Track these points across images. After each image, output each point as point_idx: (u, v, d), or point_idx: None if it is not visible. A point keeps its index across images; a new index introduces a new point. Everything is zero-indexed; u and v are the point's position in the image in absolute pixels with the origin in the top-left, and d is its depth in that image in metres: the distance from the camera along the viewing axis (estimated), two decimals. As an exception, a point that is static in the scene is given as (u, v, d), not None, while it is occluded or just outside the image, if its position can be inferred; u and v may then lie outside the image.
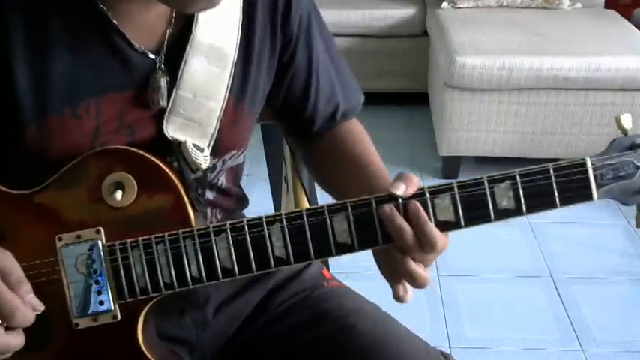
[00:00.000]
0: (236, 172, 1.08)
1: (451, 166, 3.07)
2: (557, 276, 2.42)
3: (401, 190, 0.82)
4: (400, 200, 0.82)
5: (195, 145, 0.90)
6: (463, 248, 2.49)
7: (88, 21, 0.85)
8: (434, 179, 3.06)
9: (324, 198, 1.16)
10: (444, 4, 3.51)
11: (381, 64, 3.64)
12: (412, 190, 0.82)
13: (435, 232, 0.81)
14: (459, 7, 3.50)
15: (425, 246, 0.81)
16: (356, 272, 1.74)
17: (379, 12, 3.59)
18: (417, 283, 0.84)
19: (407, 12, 3.62)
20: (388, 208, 0.81)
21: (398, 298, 0.85)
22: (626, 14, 3.48)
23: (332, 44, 1.08)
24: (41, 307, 0.81)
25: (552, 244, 2.60)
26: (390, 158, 3.51)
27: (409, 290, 0.85)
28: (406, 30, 3.63)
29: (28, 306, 0.79)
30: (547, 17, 3.35)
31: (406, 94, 3.74)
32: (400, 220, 0.81)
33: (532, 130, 2.89)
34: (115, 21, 0.85)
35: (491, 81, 2.80)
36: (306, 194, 1.33)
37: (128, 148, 0.86)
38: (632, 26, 3.20)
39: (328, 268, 1.17)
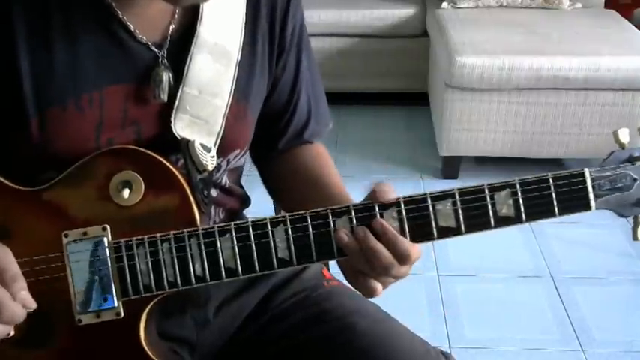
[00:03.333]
0: (238, 173, 1.08)
1: (451, 166, 3.07)
2: (557, 276, 2.42)
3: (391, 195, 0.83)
4: (403, 206, 0.83)
5: (202, 146, 0.90)
6: (463, 248, 2.49)
7: (91, 11, 0.85)
8: (434, 179, 3.06)
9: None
10: (444, 4, 3.51)
11: (381, 64, 3.64)
12: (391, 194, 0.83)
13: (407, 244, 0.82)
14: (459, 7, 3.50)
15: (400, 259, 0.82)
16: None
17: (379, 12, 3.59)
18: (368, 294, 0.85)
19: (407, 12, 3.62)
20: (344, 235, 0.82)
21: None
22: (626, 14, 3.48)
23: (314, 63, 1.08)
24: (33, 305, 0.81)
25: (552, 244, 2.60)
26: (390, 158, 3.53)
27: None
28: (406, 30, 3.63)
29: (18, 303, 0.79)
30: (547, 17, 3.35)
31: (406, 94, 3.73)
32: (372, 241, 0.82)
33: (532, 130, 2.89)
34: (119, 12, 0.86)
35: (491, 81, 2.80)
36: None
37: (136, 147, 0.86)
38: (632, 26, 3.20)
39: (328, 268, 1.17)
